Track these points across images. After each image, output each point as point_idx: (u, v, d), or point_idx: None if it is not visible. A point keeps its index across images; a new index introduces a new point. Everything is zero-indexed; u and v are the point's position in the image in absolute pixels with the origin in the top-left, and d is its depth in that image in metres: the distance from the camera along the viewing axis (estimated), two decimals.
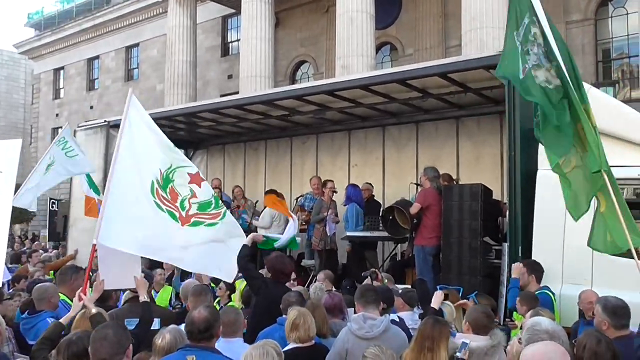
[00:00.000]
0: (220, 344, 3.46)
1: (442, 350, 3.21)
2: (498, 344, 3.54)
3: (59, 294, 4.60)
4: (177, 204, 4.27)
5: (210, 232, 4.42)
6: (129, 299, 4.48)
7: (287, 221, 9.39)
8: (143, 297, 4.15)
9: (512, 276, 5.26)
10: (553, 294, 5.24)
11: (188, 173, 4.42)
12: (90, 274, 4.31)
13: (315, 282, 6.66)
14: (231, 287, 6.44)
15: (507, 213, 6.13)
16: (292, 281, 5.81)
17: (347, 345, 3.70)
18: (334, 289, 6.11)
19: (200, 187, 4.45)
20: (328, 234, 8.40)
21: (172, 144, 4.55)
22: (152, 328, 3.97)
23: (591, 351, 2.93)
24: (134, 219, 4.15)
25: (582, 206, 3.93)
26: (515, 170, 5.95)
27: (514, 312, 5.15)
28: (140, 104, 4.56)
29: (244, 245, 5.03)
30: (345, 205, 8.46)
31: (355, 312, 4.54)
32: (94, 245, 4.01)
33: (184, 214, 4.29)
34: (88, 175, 8.55)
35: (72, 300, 4.60)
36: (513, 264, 5.41)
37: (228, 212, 4.69)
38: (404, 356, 3.28)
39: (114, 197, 4.11)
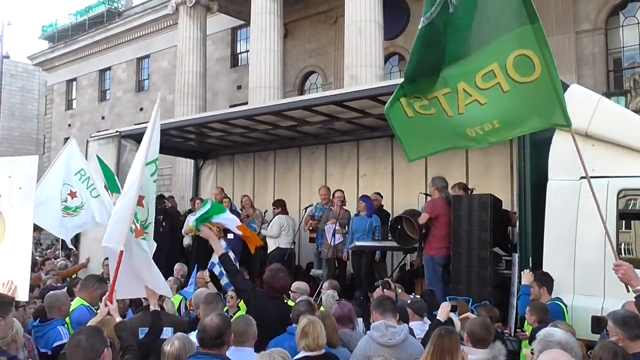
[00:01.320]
0: (231, 353, 3.47)
1: None
2: (493, 357, 3.49)
3: (80, 298, 4.68)
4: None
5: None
6: (141, 308, 4.50)
7: (295, 229, 9.42)
8: (153, 307, 4.18)
9: (523, 283, 5.21)
10: (565, 305, 5.19)
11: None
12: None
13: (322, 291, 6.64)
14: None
15: (517, 223, 6.10)
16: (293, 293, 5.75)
17: (369, 353, 3.69)
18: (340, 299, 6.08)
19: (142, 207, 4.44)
20: (331, 244, 8.36)
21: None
22: (164, 337, 3.98)
23: None
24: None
25: (423, 151, 4.45)
26: (525, 181, 5.93)
27: (525, 322, 5.11)
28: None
29: (224, 254, 4.79)
30: (370, 216, 8.37)
31: (366, 322, 4.53)
32: (121, 252, 3.99)
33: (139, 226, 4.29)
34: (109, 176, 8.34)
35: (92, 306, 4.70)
36: (523, 271, 5.37)
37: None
38: None
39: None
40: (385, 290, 5.59)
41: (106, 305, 3.86)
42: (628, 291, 3.48)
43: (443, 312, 4.53)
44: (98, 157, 8.65)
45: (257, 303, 4.53)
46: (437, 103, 4.25)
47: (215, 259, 8.08)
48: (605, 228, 3.97)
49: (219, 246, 4.91)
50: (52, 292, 4.83)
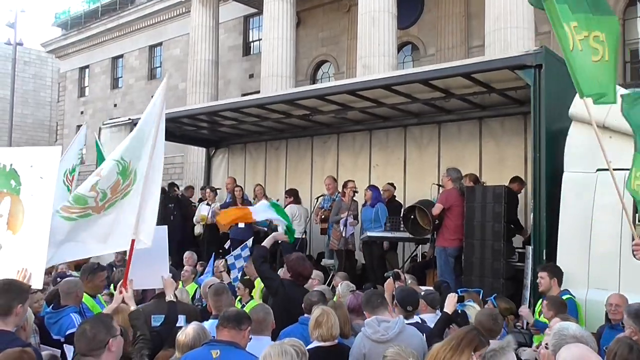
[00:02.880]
0: (249, 342, 3.48)
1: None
2: (500, 348, 3.44)
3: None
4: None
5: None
6: (156, 296, 4.53)
7: (306, 219, 9.42)
8: (169, 297, 4.19)
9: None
10: (573, 297, 5.15)
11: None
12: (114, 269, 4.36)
13: (333, 283, 6.65)
14: (249, 285, 6.47)
15: (532, 215, 6.04)
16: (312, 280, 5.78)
17: (363, 350, 3.66)
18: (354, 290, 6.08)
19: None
20: (344, 236, 8.36)
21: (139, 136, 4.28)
22: (177, 325, 4.02)
23: (622, 359, 2.86)
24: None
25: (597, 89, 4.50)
26: (540, 173, 5.86)
27: (536, 318, 5.08)
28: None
29: (261, 246, 5.06)
30: (373, 206, 8.36)
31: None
32: (133, 241, 4.03)
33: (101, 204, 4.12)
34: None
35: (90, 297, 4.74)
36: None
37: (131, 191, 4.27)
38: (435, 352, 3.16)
39: (149, 195, 4.11)
40: (396, 282, 5.57)
41: (120, 292, 3.89)
42: None
43: (450, 303, 4.48)
44: (96, 142, 8.74)
45: (286, 292, 4.60)
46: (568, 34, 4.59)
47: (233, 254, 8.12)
48: (627, 217, 3.93)
49: (270, 242, 5.26)
50: (68, 278, 4.85)
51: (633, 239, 4.51)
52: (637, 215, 5.47)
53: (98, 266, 5.12)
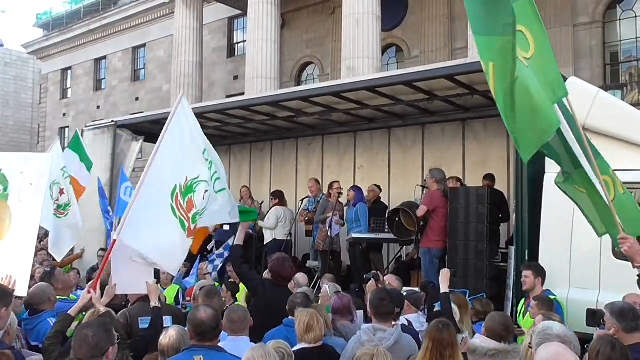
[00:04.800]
0: (227, 343, 3.46)
1: (460, 356, 3.21)
2: (505, 351, 3.48)
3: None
4: (190, 215, 4.23)
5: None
6: (139, 299, 4.49)
7: (292, 221, 9.40)
8: (154, 303, 4.14)
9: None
10: (556, 297, 5.21)
11: (206, 190, 4.36)
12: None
13: (320, 284, 6.64)
14: (233, 289, 6.46)
15: (514, 216, 6.11)
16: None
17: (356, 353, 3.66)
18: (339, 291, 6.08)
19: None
20: (330, 236, 8.37)
21: (216, 156, 4.67)
22: (164, 326, 4.00)
23: (605, 357, 2.88)
24: (153, 222, 4.13)
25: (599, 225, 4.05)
26: (523, 174, 5.92)
27: (519, 318, 5.12)
28: (190, 109, 4.54)
29: (236, 246, 5.02)
30: (354, 206, 8.39)
31: (365, 316, 4.51)
32: (114, 241, 4.01)
33: (192, 226, 4.25)
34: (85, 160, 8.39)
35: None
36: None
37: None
38: None
39: (143, 199, 4.07)
40: (377, 283, 5.57)
41: (89, 292, 3.84)
42: (634, 267, 3.46)
43: (444, 278, 4.48)
44: (81, 143, 8.59)
45: (266, 292, 4.58)
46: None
47: (215, 252, 8.09)
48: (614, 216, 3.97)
49: (241, 238, 5.12)
50: (37, 285, 4.77)
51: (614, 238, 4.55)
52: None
53: (51, 268, 5.18)
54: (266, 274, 5.70)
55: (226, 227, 8.62)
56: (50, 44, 30.36)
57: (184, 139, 4.35)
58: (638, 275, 3.43)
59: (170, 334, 3.34)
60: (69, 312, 3.84)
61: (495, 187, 7.63)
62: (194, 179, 4.29)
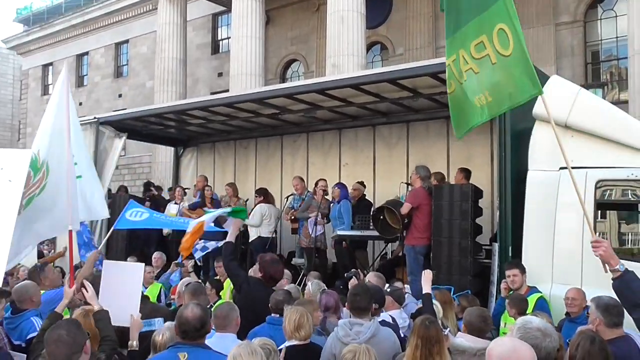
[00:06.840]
0: (214, 340, 3.44)
1: (446, 351, 3.24)
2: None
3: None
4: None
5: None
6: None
7: (277, 219, 9.38)
8: (132, 341, 3.77)
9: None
10: (542, 294, 5.28)
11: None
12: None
13: (306, 281, 6.64)
14: (217, 286, 6.43)
15: (498, 212, 6.16)
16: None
17: (334, 351, 3.65)
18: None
19: None
20: (313, 235, 8.36)
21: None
22: (155, 328, 3.96)
23: (584, 350, 2.93)
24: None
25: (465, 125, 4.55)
26: (506, 171, 5.98)
27: (503, 315, 5.17)
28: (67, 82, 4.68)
29: (227, 242, 5.01)
30: (339, 203, 8.40)
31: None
32: (70, 232, 4.13)
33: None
34: None
35: None
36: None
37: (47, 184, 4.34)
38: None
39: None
40: (358, 281, 5.60)
41: (71, 287, 3.82)
42: (606, 271, 3.51)
43: (426, 279, 4.51)
44: None
45: (251, 290, 4.57)
46: (451, 73, 4.43)
47: (198, 246, 8.03)
48: (585, 215, 4.03)
49: (233, 234, 5.16)
50: (20, 284, 4.69)
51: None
52: (599, 212, 5.65)
53: (41, 264, 5.14)
54: (251, 272, 5.69)
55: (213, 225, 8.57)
56: (30, 39, 29.87)
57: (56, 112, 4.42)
58: (613, 279, 3.46)
59: (163, 333, 3.35)
60: (56, 310, 3.80)
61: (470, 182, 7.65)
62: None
